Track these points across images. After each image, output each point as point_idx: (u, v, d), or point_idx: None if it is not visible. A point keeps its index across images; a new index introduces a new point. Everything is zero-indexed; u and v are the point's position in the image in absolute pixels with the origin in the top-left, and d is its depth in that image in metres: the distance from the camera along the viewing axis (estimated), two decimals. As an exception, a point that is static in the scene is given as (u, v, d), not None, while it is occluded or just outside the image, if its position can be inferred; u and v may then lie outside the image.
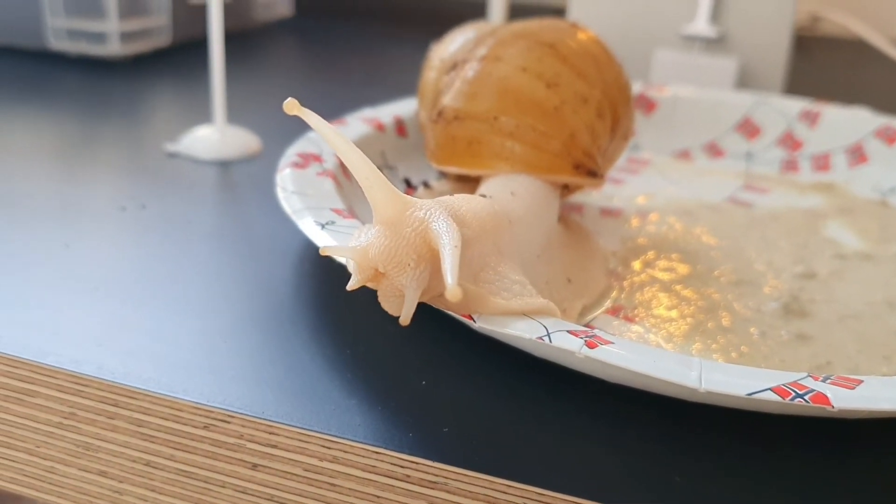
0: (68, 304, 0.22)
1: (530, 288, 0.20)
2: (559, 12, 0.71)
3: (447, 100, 0.27)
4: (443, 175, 0.30)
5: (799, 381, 0.17)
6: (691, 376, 0.17)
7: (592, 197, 0.33)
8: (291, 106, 0.18)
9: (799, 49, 0.70)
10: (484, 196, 0.22)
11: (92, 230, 0.27)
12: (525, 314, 0.19)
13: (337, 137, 0.19)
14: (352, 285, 0.18)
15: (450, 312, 0.19)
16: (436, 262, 0.18)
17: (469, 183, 0.27)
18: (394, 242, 0.18)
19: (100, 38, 0.48)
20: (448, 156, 0.26)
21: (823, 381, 0.17)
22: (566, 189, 0.27)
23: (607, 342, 0.18)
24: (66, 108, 0.41)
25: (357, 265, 0.18)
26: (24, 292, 0.23)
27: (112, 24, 0.47)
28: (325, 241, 0.22)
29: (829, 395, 0.17)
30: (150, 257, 0.26)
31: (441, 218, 0.18)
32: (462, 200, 0.21)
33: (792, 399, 0.16)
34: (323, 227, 0.22)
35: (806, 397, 0.17)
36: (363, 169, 0.19)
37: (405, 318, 0.18)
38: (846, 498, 0.17)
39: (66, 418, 0.20)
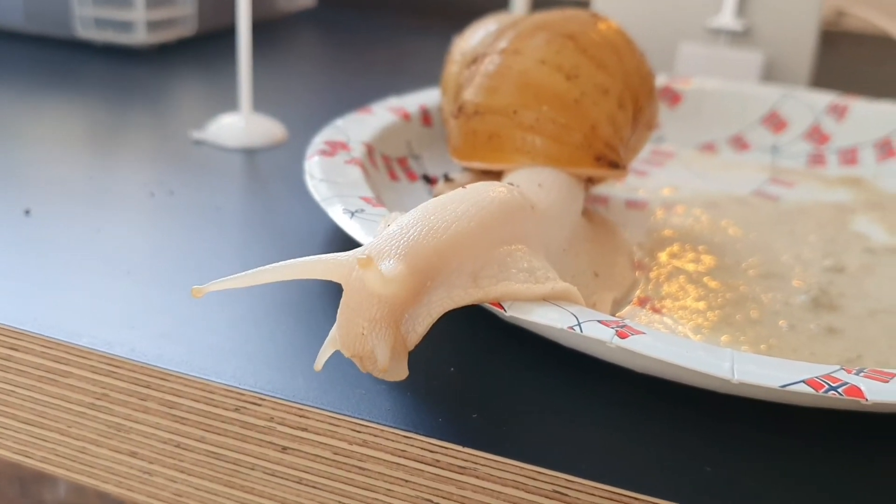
0: (101, 287, 0.23)
1: (542, 274, 0.19)
2: (582, 4, 0.70)
3: (467, 94, 0.27)
4: (465, 168, 0.30)
5: (832, 374, 0.17)
6: (724, 367, 0.17)
7: (617, 189, 0.33)
8: (196, 292, 0.18)
9: (824, 44, 0.69)
10: (511, 185, 0.22)
11: (122, 215, 0.27)
12: (546, 299, 0.19)
13: (247, 278, 0.18)
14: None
15: (480, 303, 0.19)
16: (395, 308, 0.17)
17: (491, 177, 0.27)
18: (345, 318, 0.18)
19: (126, 26, 0.48)
20: (470, 151, 0.26)
21: (857, 373, 0.17)
22: (590, 181, 0.27)
23: (639, 332, 0.18)
24: (94, 95, 0.41)
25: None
26: (58, 275, 0.23)
27: (139, 14, 0.48)
28: (354, 229, 0.22)
29: (863, 388, 0.17)
30: (180, 242, 0.26)
31: (369, 276, 0.17)
32: (469, 193, 0.20)
33: (825, 392, 0.16)
34: (352, 214, 0.22)
35: (839, 390, 0.16)
36: (288, 270, 0.18)
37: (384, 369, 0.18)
38: (877, 492, 0.17)
39: (98, 399, 0.20)
